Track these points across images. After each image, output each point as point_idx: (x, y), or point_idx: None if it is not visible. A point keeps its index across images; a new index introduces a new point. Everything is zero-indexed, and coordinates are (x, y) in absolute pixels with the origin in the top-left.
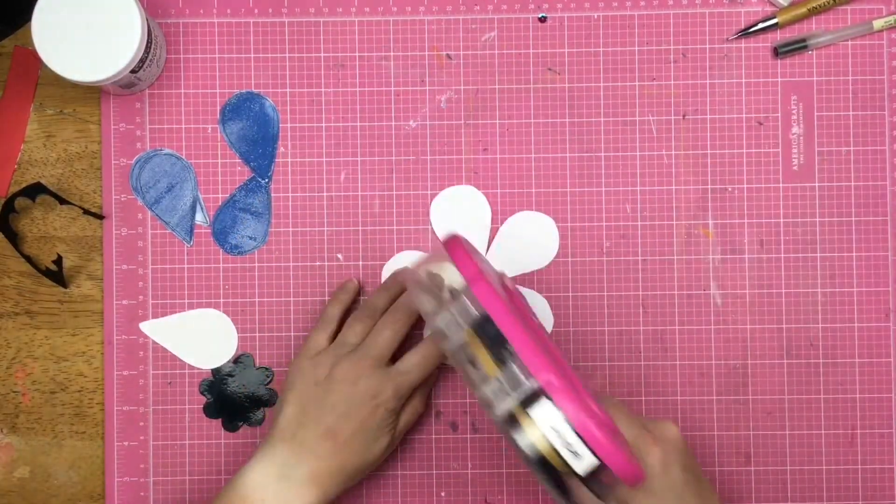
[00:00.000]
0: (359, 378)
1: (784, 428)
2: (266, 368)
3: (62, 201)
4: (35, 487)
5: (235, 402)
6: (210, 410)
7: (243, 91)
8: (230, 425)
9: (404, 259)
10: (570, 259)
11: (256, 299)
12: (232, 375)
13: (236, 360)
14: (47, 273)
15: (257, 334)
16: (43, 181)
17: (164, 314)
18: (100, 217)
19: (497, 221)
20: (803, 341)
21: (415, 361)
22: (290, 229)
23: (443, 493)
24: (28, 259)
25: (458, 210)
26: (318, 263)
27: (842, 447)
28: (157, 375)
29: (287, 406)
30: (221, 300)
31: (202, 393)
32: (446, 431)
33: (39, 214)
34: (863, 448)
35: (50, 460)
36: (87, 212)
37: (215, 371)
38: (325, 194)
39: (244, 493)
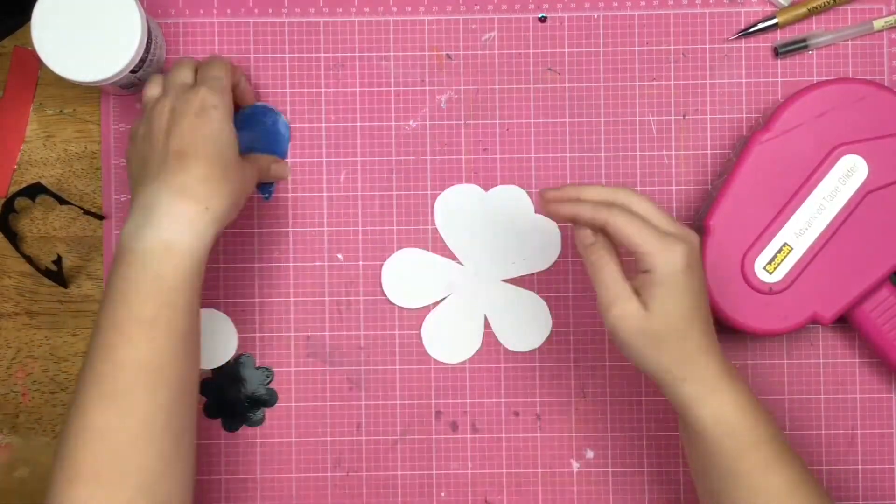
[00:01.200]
0: (180, 101)
1: (784, 428)
2: (266, 368)
3: (62, 201)
4: (35, 487)
5: (235, 402)
6: (210, 410)
7: (259, 103)
8: (230, 425)
9: (404, 257)
10: (570, 259)
11: (256, 299)
12: (232, 375)
13: (236, 360)
14: (47, 273)
15: (257, 334)
16: (43, 181)
17: None
18: (100, 217)
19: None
20: (803, 341)
21: (212, 64)
22: (290, 229)
23: (443, 493)
24: (28, 259)
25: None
26: (318, 263)
27: (842, 447)
28: None
29: (129, 166)
30: (221, 300)
31: (202, 393)
32: (446, 431)
33: (39, 214)
34: (863, 448)
35: (50, 460)
36: (87, 212)
37: (215, 371)
38: (325, 194)
39: (128, 248)
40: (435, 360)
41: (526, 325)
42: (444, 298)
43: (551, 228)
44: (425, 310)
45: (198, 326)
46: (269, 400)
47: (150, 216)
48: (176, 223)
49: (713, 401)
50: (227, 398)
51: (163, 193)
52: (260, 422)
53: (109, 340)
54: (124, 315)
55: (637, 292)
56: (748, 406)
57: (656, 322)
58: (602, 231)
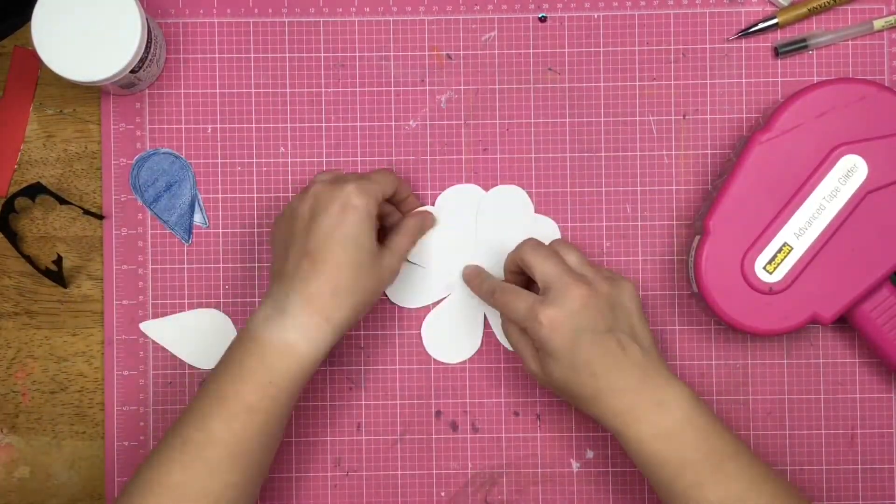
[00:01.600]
0: (326, 193)
1: (784, 428)
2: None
3: (62, 201)
4: (35, 487)
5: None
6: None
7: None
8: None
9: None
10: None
11: (256, 299)
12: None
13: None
14: (47, 273)
15: None
16: (43, 181)
17: (164, 314)
18: (100, 217)
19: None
20: (803, 341)
21: (380, 172)
22: None
23: (443, 493)
24: (28, 259)
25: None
26: None
27: (842, 447)
28: (157, 375)
29: (273, 247)
30: (221, 300)
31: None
32: (446, 431)
33: (39, 214)
34: (863, 448)
35: (50, 460)
36: (87, 212)
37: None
38: None
39: (252, 335)
40: (435, 359)
41: None
42: (443, 298)
43: (551, 228)
44: (425, 310)
45: (289, 417)
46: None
47: (279, 314)
48: (299, 330)
49: (630, 431)
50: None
51: (294, 297)
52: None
53: (208, 411)
54: (231, 394)
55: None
56: (674, 434)
57: (551, 368)
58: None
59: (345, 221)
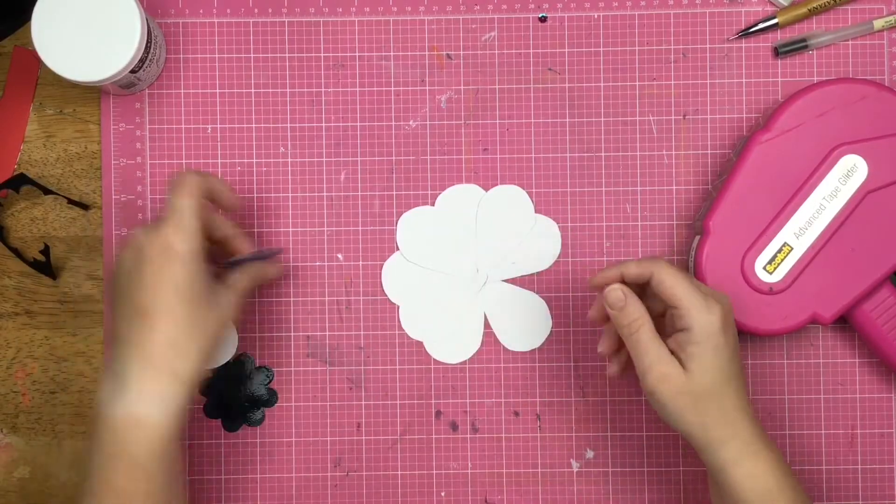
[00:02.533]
0: (146, 242)
1: (784, 428)
2: (266, 368)
3: (46, 191)
4: (35, 487)
5: (235, 401)
6: (210, 410)
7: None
8: (230, 425)
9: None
10: (570, 259)
11: (256, 300)
12: (232, 375)
13: (236, 360)
14: (35, 264)
15: (257, 334)
16: (43, 181)
17: None
18: (84, 207)
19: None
20: (803, 341)
21: (177, 191)
22: (290, 229)
23: (443, 493)
24: (14, 251)
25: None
26: (318, 263)
27: (842, 447)
28: None
29: (112, 310)
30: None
31: (202, 393)
32: (446, 431)
33: (40, 214)
34: (863, 448)
35: (50, 460)
36: (71, 201)
37: (216, 371)
38: (325, 194)
39: (102, 418)
40: (435, 360)
41: (526, 325)
42: (445, 299)
43: (551, 228)
44: (427, 311)
45: (176, 486)
46: (269, 400)
47: (122, 386)
48: (145, 398)
49: (749, 463)
50: (227, 398)
51: (132, 361)
52: (260, 421)
53: None
54: (101, 485)
55: (673, 351)
56: (781, 470)
57: (696, 382)
58: (644, 286)
59: (170, 268)
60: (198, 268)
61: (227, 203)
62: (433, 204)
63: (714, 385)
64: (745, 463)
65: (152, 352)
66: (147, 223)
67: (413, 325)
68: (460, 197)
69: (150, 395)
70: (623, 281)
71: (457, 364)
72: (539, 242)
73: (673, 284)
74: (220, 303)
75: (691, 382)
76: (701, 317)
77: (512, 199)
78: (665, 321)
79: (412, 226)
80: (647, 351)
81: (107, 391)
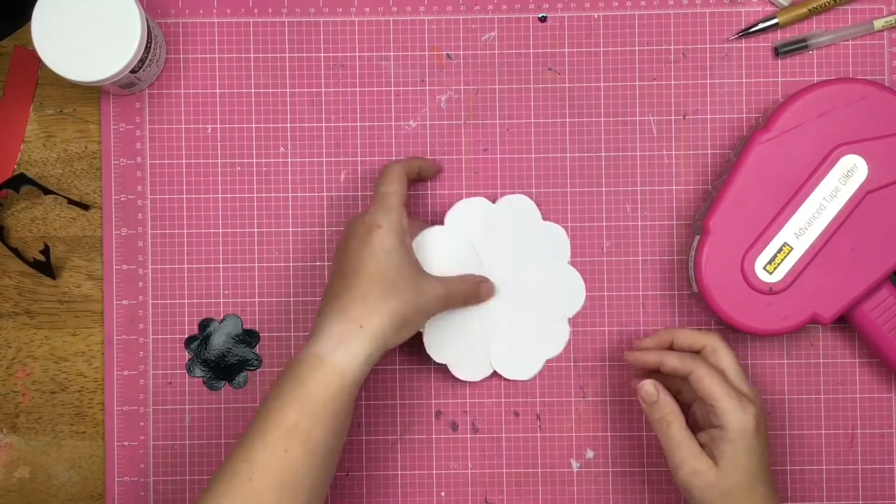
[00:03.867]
0: (355, 222)
1: (784, 428)
2: (253, 331)
3: (46, 191)
4: (35, 487)
5: (219, 361)
6: (192, 368)
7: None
8: (211, 384)
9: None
10: (569, 259)
11: (256, 299)
12: (217, 334)
13: (222, 321)
14: (35, 264)
15: (257, 335)
16: (43, 181)
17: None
18: (84, 207)
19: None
20: (803, 341)
21: (382, 180)
22: (290, 229)
23: (443, 493)
24: (15, 251)
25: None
26: (318, 263)
27: (842, 447)
28: (157, 375)
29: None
30: (221, 300)
31: (187, 349)
32: (446, 431)
33: (40, 214)
34: (863, 448)
35: (50, 460)
36: (71, 201)
37: (202, 327)
38: (325, 194)
39: (295, 358)
40: (437, 361)
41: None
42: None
43: (559, 234)
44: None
45: (340, 441)
46: (251, 363)
47: (316, 333)
48: (330, 340)
49: None
50: (211, 357)
51: (328, 314)
52: (242, 384)
53: (252, 438)
54: (272, 417)
55: (704, 445)
56: None
57: (726, 478)
58: (683, 378)
59: (371, 240)
60: (399, 242)
61: (430, 174)
62: (442, 222)
63: (743, 483)
64: None
65: (346, 305)
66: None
67: (439, 348)
68: (468, 211)
69: (337, 340)
70: (659, 370)
71: (481, 381)
72: (548, 250)
73: (710, 385)
74: (421, 280)
75: (722, 478)
76: (736, 417)
77: (519, 208)
78: (695, 409)
79: (425, 248)
80: (678, 446)
81: (312, 342)
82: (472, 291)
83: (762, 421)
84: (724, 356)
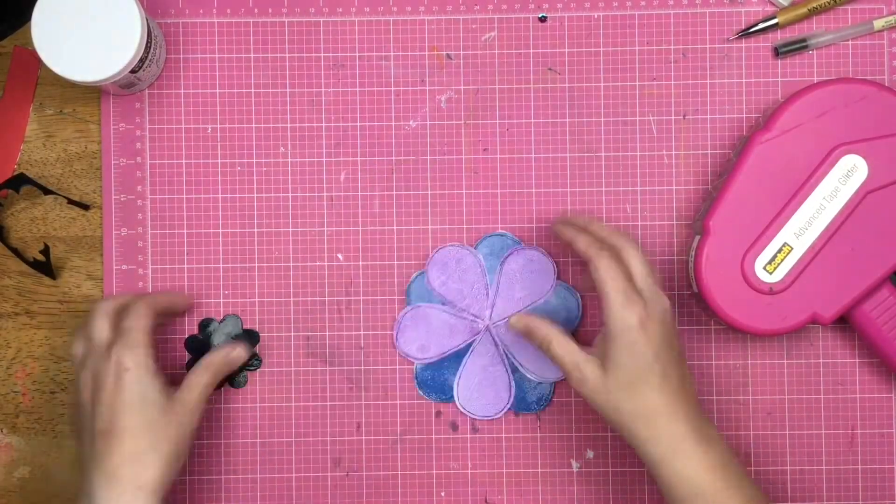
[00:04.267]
0: (100, 367)
1: (784, 428)
2: (253, 331)
3: (46, 191)
4: (35, 487)
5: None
6: (191, 367)
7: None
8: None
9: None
10: (570, 259)
11: (256, 299)
12: (217, 334)
13: (222, 321)
14: (35, 264)
15: (257, 334)
16: (43, 181)
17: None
18: (84, 207)
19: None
20: (803, 341)
21: (128, 317)
22: (290, 229)
23: (443, 493)
24: (15, 251)
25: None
26: (318, 263)
27: (842, 447)
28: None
29: (74, 435)
30: (221, 300)
31: (187, 349)
32: (446, 431)
33: (40, 214)
34: (863, 448)
35: (50, 460)
36: (71, 201)
37: (202, 327)
38: (325, 194)
39: None
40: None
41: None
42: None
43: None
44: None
45: None
46: (251, 364)
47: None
48: None
49: (677, 462)
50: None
51: (98, 482)
52: (242, 384)
53: None
54: None
55: (597, 347)
56: (718, 468)
57: (611, 379)
58: (586, 265)
59: (123, 387)
60: (151, 382)
61: (181, 310)
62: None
63: (629, 382)
64: (672, 462)
65: (115, 469)
66: (96, 346)
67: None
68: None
69: None
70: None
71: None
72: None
73: (602, 280)
74: (180, 409)
75: (607, 379)
76: (617, 314)
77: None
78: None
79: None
80: (562, 360)
81: None
82: (219, 370)
83: (657, 319)
84: (631, 255)
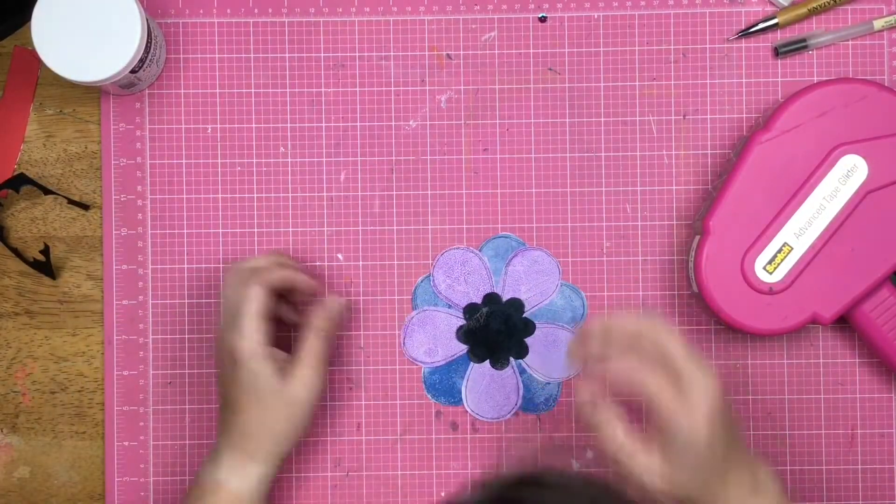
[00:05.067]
0: (222, 347)
1: (784, 428)
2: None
3: (46, 191)
4: (35, 487)
5: None
6: None
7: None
8: None
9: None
10: (570, 259)
11: None
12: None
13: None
14: (35, 264)
15: None
16: (43, 181)
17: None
18: (84, 207)
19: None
20: (803, 341)
21: (230, 295)
22: (291, 229)
23: (443, 493)
24: (14, 251)
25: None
26: (318, 263)
27: (842, 447)
28: (157, 375)
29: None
30: (222, 300)
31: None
32: (446, 431)
33: (40, 214)
34: (863, 448)
35: (50, 460)
36: (71, 201)
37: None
38: (325, 194)
39: (195, 481)
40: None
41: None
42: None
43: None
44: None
45: None
46: None
47: (213, 459)
48: (226, 469)
49: None
50: None
51: (222, 440)
52: None
53: None
54: None
55: (654, 441)
56: None
57: (676, 486)
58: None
59: (237, 376)
60: (263, 369)
61: (304, 290)
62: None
63: (698, 489)
64: None
65: (234, 438)
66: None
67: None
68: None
69: (230, 467)
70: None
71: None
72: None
73: (645, 386)
74: (290, 398)
75: (673, 486)
76: (679, 421)
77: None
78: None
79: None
80: (620, 460)
81: (206, 463)
82: (323, 359)
83: (717, 409)
84: (666, 340)
